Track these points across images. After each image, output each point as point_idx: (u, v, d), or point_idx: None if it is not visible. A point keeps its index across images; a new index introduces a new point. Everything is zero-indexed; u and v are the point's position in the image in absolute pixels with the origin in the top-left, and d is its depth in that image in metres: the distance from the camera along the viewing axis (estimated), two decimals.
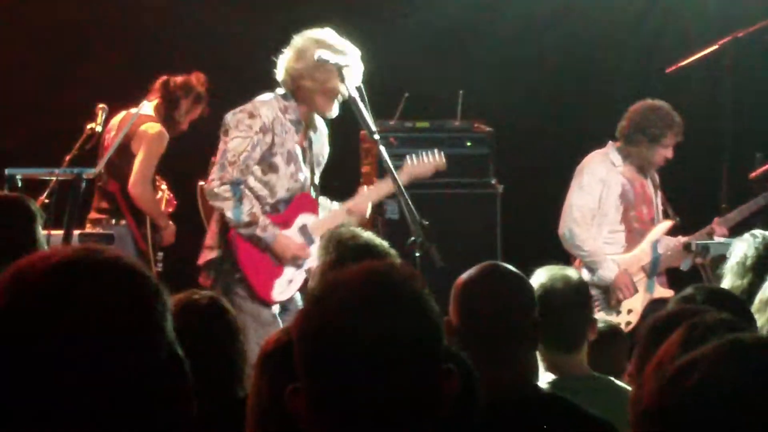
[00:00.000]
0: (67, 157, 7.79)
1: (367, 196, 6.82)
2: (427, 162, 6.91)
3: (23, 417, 1.75)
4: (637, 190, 7.82)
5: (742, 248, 5.49)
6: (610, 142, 7.81)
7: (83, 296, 1.77)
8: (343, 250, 4.80)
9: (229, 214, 6.39)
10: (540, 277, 4.76)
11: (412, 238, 6.01)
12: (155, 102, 8.02)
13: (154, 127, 7.91)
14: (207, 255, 6.61)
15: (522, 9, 9.32)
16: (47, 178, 7.44)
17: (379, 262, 2.48)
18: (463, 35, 9.47)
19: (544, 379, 4.63)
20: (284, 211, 6.61)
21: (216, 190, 6.41)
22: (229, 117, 6.55)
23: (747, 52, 8.79)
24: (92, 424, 1.76)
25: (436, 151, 6.94)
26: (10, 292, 1.78)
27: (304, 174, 6.67)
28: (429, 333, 2.36)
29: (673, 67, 8.63)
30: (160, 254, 7.92)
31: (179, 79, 8.02)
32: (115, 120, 8.00)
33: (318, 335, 2.34)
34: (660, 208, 7.94)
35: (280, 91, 6.60)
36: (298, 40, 6.56)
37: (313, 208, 6.72)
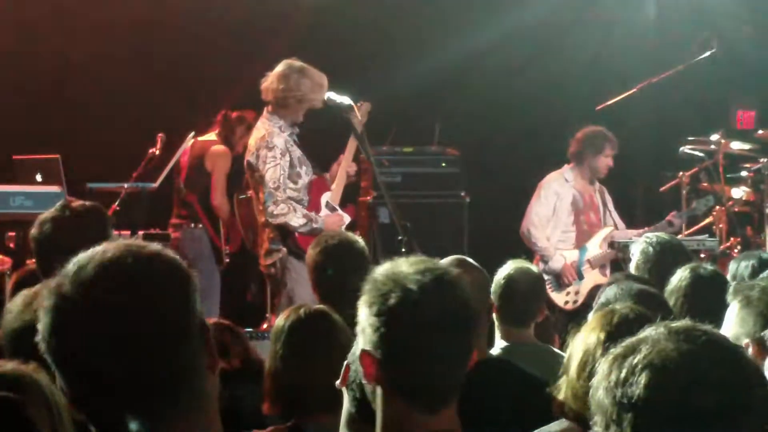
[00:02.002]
0: (134, 174, 7.83)
1: (346, 161, 6.89)
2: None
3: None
4: (585, 200, 7.87)
5: (637, 248, 5.47)
6: (565, 165, 7.87)
7: (136, 277, 1.78)
8: (327, 247, 4.85)
9: (292, 222, 6.47)
10: (507, 268, 4.78)
11: (399, 237, 6.04)
12: (217, 130, 8.08)
13: (220, 148, 7.95)
14: (271, 257, 6.68)
15: (495, 60, 9.33)
16: (118, 190, 7.48)
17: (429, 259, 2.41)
18: (443, 83, 9.47)
19: (499, 345, 4.65)
20: (310, 199, 6.66)
21: (275, 212, 6.48)
22: (252, 159, 6.60)
23: (659, 92, 8.84)
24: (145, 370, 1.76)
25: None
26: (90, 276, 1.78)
27: (310, 167, 6.72)
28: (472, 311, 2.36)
29: (602, 105, 8.63)
30: (227, 249, 7.95)
31: (235, 113, 8.09)
32: (187, 145, 8.04)
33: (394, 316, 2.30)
34: (612, 214, 7.99)
35: (269, 115, 6.63)
36: (282, 67, 6.61)
37: (325, 186, 6.79)
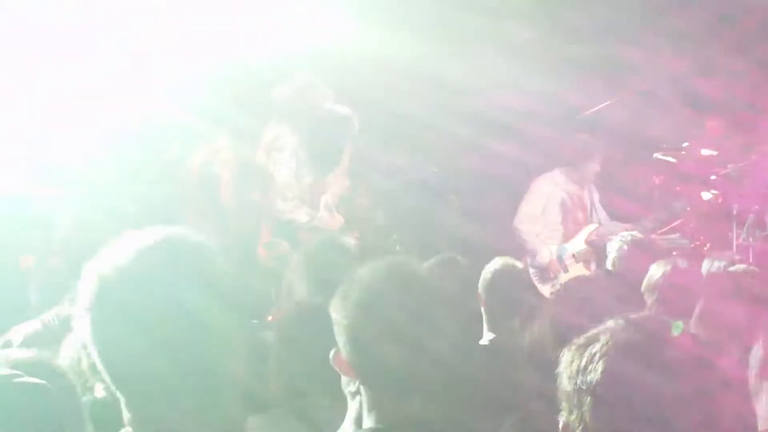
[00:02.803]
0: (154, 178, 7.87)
1: (342, 168, 6.95)
2: None
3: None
4: (574, 200, 7.91)
5: (614, 245, 5.50)
6: (556, 168, 7.88)
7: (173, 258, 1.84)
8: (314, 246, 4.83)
9: (299, 218, 6.55)
10: (493, 264, 4.78)
11: (394, 236, 6.07)
12: (226, 137, 8.07)
13: (228, 152, 7.95)
14: (272, 250, 6.74)
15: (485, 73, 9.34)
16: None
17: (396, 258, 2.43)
18: (437, 96, 9.48)
19: (487, 337, 4.65)
20: (310, 199, 6.71)
21: (285, 208, 6.61)
22: (263, 159, 6.69)
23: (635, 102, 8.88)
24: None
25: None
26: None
27: (311, 169, 6.75)
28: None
29: (584, 114, 8.69)
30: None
31: (243, 119, 8.09)
32: (200, 153, 8.05)
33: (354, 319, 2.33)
34: (598, 211, 8.03)
35: (280, 120, 6.69)
36: (294, 79, 6.67)
37: (323, 189, 6.83)
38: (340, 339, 2.33)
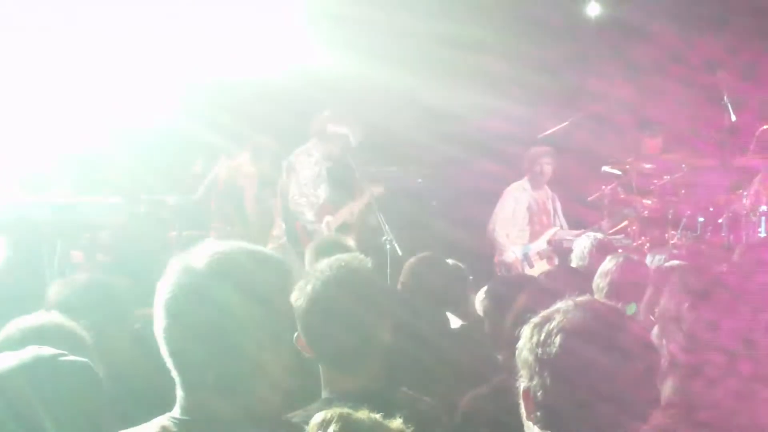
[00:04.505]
0: (182, 188, 7.95)
1: (353, 207, 7.04)
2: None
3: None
4: (539, 205, 8.00)
5: (582, 243, 5.61)
6: (525, 177, 7.99)
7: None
8: (321, 245, 4.87)
9: (306, 215, 6.61)
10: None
11: (384, 237, 6.16)
12: (248, 154, 8.15)
13: (249, 167, 8.04)
14: (277, 241, 6.87)
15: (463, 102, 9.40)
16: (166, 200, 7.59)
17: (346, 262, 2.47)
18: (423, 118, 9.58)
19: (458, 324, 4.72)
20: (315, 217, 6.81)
21: (297, 200, 6.62)
22: (293, 159, 6.76)
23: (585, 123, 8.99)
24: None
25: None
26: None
27: (326, 191, 6.83)
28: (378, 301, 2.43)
29: (542, 134, 8.76)
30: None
31: (263, 138, 8.17)
32: (223, 167, 8.12)
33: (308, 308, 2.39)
34: (560, 217, 8.12)
35: (316, 140, 6.77)
36: (328, 111, 6.77)
37: (331, 211, 6.90)
38: (298, 323, 2.36)
